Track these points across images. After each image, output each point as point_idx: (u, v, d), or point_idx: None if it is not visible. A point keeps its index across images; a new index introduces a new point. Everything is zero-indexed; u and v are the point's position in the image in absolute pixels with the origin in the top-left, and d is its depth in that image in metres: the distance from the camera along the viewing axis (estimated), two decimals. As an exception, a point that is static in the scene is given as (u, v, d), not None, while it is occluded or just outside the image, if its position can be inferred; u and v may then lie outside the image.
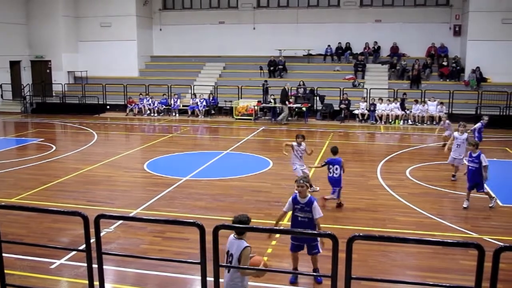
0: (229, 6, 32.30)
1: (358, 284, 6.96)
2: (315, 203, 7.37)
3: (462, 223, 10.11)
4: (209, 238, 5.10)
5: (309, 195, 7.51)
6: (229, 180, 13.64)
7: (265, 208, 11.22)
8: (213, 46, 31.71)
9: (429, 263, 8.29)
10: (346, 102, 25.59)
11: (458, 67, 27.43)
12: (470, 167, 11.11)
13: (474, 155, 11.01)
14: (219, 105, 27.83)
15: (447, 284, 7.46)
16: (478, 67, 26.46)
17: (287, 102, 25.00)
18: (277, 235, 9.08)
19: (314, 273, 7.61)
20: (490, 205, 11.14)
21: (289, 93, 25.77)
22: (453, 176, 13.63)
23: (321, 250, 7.44)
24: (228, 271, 5.84)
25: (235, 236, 5.98)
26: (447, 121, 18.26)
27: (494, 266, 4.31)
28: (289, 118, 25.73)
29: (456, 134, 13.68)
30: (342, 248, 4.86)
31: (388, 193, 12.49)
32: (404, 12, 29.52)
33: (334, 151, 11.32)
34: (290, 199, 7.52)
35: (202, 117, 26.90)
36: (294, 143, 12.00)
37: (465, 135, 13.57)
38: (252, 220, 10.23)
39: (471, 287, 4.58)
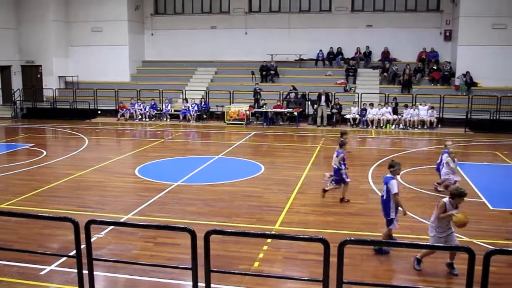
0: (221, 11, 32.34)
1: (350, 289, 6.95)
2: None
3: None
4: (200, 243, 5.08)
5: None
6: (220, 185, 13.60)
7: (257, 213, 11.19)
8: (205, 51, 31.73)
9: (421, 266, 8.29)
10: (338, 106, 25.66)
11: (448, 72, 27.61)
12: None
13: None
14: (210, 110, 27.83)
15: (439, 288, 7.49)
16: (468, 72, 26.63)
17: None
18: (269, 240, 9.08)
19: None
20: None
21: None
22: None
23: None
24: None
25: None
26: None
27: (485, 269, 4.32)
28: (281, 123, 25.80)
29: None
30: (334, 252, 4.86)
31: (379, 198, 12.49)
32: (395, 17, 29.69)
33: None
34: None
35: (194, 122, 26.86)
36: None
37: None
38: (243, 225, 10.33)
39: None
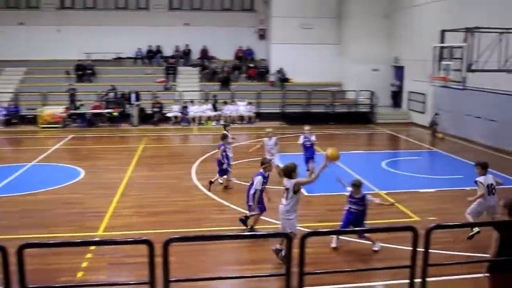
0: (29, 6, 29.93)
1: (178, 286, 6.92)
2: None
3: (273, 215, 10.69)
4: (14, 259, 4.64)
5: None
6: (36, 194, 12.61)
7: (77, 220, 10.62)
8: (13, 49, 28.93)
9: (247, 256, 8.64)
10: (158, 105, 25.51)
11: (264, 69, 29.25)
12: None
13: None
14: (21, 113, 25.54)
15: (263, 274, 7.88)
16: (281, 69, 28.51)
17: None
18: (92, 247, 8.68)
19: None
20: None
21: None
22: None
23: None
24: (286, 198, 8.23)
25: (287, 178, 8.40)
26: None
27: (301, 251, 4.66)
28: (100, 124, 24.69)
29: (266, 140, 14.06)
30: (161, 252, 4.79)
31: (203, 193, 12.75)
32: (212, 16, 30.47)
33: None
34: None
35: (2, 127, 24.44)
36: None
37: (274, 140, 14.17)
38: (63, 235, 9.71)
39: (283, 273, 4.86)
